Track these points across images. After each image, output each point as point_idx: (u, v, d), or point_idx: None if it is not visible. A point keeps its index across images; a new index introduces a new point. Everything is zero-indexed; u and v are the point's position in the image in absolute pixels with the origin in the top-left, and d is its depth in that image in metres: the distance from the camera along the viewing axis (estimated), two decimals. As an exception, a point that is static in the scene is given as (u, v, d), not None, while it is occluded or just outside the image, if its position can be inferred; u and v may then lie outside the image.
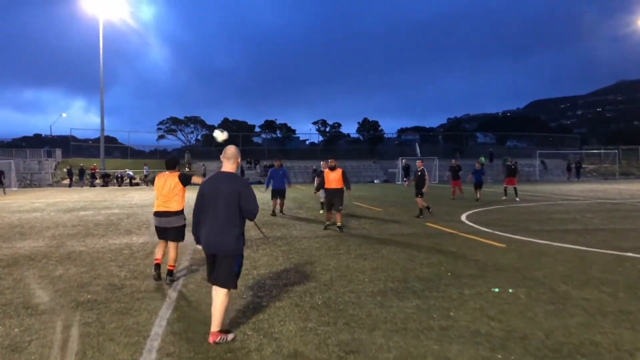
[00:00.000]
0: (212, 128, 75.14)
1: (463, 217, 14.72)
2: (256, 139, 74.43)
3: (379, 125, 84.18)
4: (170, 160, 7.52)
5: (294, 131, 78.64)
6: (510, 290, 5.04)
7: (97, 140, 52.12)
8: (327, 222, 12.52)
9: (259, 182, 43.47)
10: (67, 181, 40.30)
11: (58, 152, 49.13)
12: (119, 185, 40.55)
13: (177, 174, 7.21)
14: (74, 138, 55.49)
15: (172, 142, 72.80)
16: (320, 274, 7.41)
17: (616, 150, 54.80)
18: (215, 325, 4.68)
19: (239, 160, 4.97)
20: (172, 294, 6.36)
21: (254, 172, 47.30)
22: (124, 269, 7.85)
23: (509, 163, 23.27)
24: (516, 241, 10.26)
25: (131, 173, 42.53)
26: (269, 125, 77.50)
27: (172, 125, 75.52)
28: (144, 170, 43.06)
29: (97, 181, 41.30)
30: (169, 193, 7.05)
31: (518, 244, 9.87)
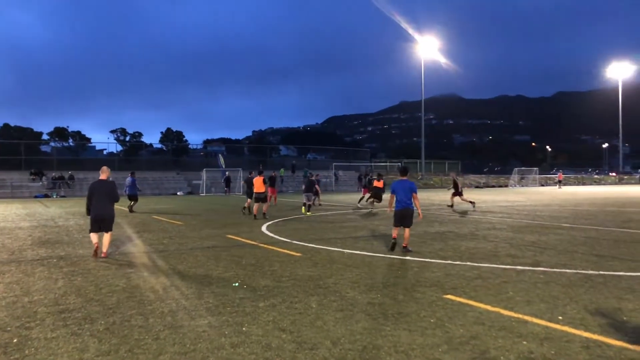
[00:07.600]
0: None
1: (263, 228, 14.90)
2: (44, 148, 66.96)
3: (184, 136, 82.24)
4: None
5: (89, 140, 72.90)
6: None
7: None
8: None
9: (45, 196, 39.08)
10: None
11: None
12: None
13: None
14: None
15: None
16: (106, 296, 6.74)
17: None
18: None
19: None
20: None
21: (39, 185, 41.79)
22: None
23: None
24: (311, 249, 10.64)
25: None
26: (60, 133, 70.70)
27: None
28: None
29: None
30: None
31: (313, 252, 10.24)
